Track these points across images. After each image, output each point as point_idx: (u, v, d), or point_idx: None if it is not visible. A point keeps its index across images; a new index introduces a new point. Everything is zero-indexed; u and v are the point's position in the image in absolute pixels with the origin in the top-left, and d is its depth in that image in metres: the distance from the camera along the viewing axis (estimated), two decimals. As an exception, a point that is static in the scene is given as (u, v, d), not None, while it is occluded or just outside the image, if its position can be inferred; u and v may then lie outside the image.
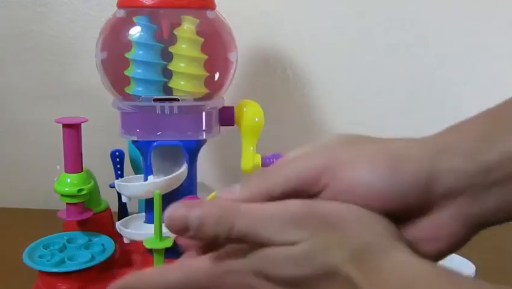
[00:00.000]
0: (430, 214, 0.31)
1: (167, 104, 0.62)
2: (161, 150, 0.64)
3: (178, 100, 0.62)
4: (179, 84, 0.62)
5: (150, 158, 0.64)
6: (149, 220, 0.66)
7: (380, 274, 0.27)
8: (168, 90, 0.63)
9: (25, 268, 0.62)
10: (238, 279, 0.32)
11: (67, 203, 0.66)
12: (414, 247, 0.31)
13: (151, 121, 0.63)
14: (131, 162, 0.76)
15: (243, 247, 0.31)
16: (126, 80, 0.62)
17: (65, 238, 0.68)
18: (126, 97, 0.63)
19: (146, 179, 0.66)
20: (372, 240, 0.29)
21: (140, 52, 0.61)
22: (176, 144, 0.63)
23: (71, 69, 0.94)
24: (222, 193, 0.35)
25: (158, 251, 0.59)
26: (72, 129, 0.65)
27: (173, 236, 0.60)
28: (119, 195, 0.70)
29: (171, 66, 0.62)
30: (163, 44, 0.62)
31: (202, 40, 0.62)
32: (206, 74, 0.63)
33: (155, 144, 0.63)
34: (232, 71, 0.65)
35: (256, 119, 0.66)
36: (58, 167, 0.70)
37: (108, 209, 0.74)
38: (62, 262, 0.63)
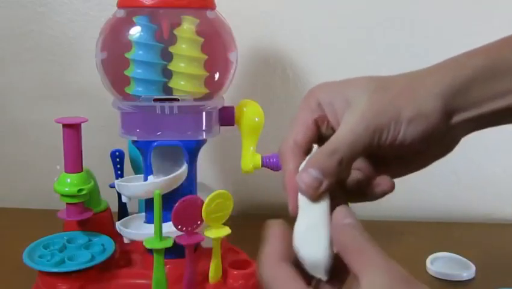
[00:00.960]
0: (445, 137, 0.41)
1: (167, 104, 0.62)
2: (161, 150, 0.64)
3: (178, 100, 0.62)
4: (179, 84, 0.62)
5: (150, 158, 0.64)
6: (149, 220, 0.66)
7: None
8: (168, 90, 0.63)
9: (25, 268, 0.62)
10: None
11: (67, 203, 0.66)
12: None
13: (151, 121, 0.63)
14: (131, 162, 0.76)
15: None
16: (126, 80, 0.62)
17: (65, 238, 0.68)
18: (126, 97, 0.63)
19: (146, 179, 0.66)
20: None
21: (140, 52, 0.61)
22: (176, 144, 0.63)
23: (71, 69, 0.94)
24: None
25: (158, 251, 0.59)
26: (72, 129, 0.65)
27: (173, 236, 0.60)
28: (119, 195, 0.70)
29: (171, 66, 0.62)
30: (163, 44, 0.62)
31: (202, 40, 0.62)
32: (206, 74, 0.63)
33: (155, 144, 0.63)
34: (232, 71, 0.65)
35: (256, 119, 0.66)
36: (58, 167, 0.70)
37: (108, 209, 0.74)
38: (62, 262, 0.63)
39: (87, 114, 0.68)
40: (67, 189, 0.65)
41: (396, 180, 1.06)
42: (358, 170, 0.42)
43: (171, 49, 0.62)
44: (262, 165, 0.67)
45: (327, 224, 0.36)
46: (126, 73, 0.62)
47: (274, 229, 0.38)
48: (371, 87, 0.40)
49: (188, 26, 0.61)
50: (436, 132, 0.39)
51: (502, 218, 0.97)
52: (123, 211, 0.75)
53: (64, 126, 0.65)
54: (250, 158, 0.67)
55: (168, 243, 0.59)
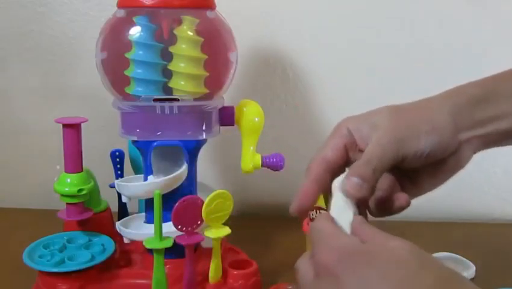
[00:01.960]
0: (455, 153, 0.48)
1: (167, 104, 0.62)
2: (161, 150, 0.64)
3: (178, 100, 0.62)
4: (179, 84, 0.62)
5: (150, 158, 0.64)
6: (149, 220, 0.66)
7: None
8: (168, 90, 0.63)
9: (25, 268, 0.62)
10: None
11: (67, 203, 0.66)
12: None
13: (151, 121, 0.63)
14: (131, 162, 0.76)
15: None
16: (126, 80, 0.62)
17: (65, 238, 0.68)
18: (126, 97, 0.63)
19: (146, 179, 0.66)
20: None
21: (140, 52, 0.61)
22: (176, 144, 0.63)
23: (71, 69, 0.94)
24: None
25: (158, 251, 0.59)
26: (72, 129, 0.65)
27: (173, 236, 0.60)
28: (119, 195, 0.70)
29: (171, 66, 0.62)
30: (163, 44, 0.62)
31: (202, 40, 0.62)
32: (206, 74, 0.63)
33: (155, 144, 0.63)
34: (232, 71, 0.65)
35: (256, 119, 0.66)
36: (58, 167, 0.70)
37: (108, 209, 0.74)
38: (62, 262, 0.63)
39: (87, 114, 0.68)
40: (67, 189, 0.65)
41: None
42: (379, 190, 0.48)
43: (171, 49, 0.62)
44: (262, 165, 0.67)
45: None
46: (126, 73, 0.62)
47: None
48: (392, 110, 0.47)
49: (188, 26, 0.61)
50: (449, 145, 0.46)
51: (502, 218, 0.97)
52: (123, 211, 0.75)
53: (64, 126, 0.65)
54: (250, 158, 0.67)
55: (168, 243, 0.59)
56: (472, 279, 0.73)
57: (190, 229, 0.59)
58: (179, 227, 0.59)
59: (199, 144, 0.65)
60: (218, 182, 0.96)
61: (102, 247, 0.66)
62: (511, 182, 0.96)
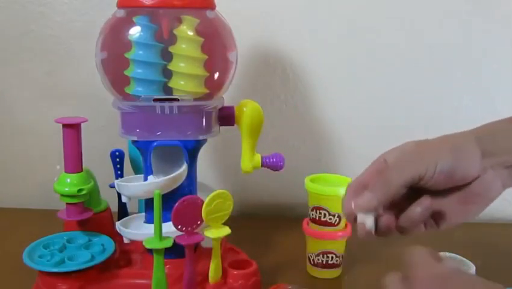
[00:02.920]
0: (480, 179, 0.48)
1: (167, 104, 0.62)
2: (161, 150, 0.64)
3: (178, 100, 0.62)
4: (179, 84, 0.62)
5: (150, 158, 0.64)
6: (149, 220, 0.66)
7: None
8: (168, 90, 0.63)
9: (25, 268, 0.62)
10: None
11: (67, 203, 0.66)
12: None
13: (151, 121, 0.63)
14: (130, 162, 0.76)
15: None
16: (126, 80, 0.62)
17: (65, 238, 0.68)
18: (126, 97, 0.63)
19: (146, 179, 0.66)
20: None
21: (140, 52, 0.61)
22: (176, 144, 0.63)
23: (71, 69, 0.94)
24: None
25: (157, 251, 0.59)
26: (72, 129, 0.65)
27: (173, 236, 0.60)
28: (119, 195, 0.70)
29: (171, 66, 0.62)
30: (163, 44, 0.62)
31: (202, 40, 0.62)
32: (206, 74, 0.63)
33: (155, 144, 0.63)
34: (232, 71, 0.65)
35: (256, 119, 0.66)
36: (58, 167, 0.70)
37: (108, 209, 0.74)
38: (62, 262, 0.63)
39: (87, 114, 0.68)
40: (67, 189, 0.65)
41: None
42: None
43: (171, 49, 0.62)
44: (262, 165, 0.67)
45: None
46: (126, 73, 0.62)
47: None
48: (419, 141, 0.49)
49: (188, 26, 0.61)
50: (470, 166, 0.47)
51: (502, 218, 0.97)
52: (123, 211, 0.75)
53: (64, 126, 0.65)
54: (250, 158, 0.67)
55: (168, 243, 0.59)
56: (472, 279, 0.73)
57: (190, 229, 0.59)
58: (179, 227, 0.59)
59: (199, 144, 0.65)
60: (218, 182, 0.97)
61: (102, 247, 0.66)
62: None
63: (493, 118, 0.51)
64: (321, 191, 0.71)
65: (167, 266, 0.61)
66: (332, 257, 0.72)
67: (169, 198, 0.61)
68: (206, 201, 0.59)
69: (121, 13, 0.63)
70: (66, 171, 0.66)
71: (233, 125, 0.67)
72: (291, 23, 0.91)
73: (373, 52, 0.91)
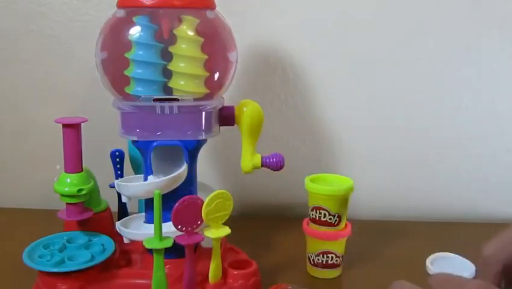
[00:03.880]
0: None
1: (167, 104, 0.62)
2: (161, 150, 0.64)
3: (178, 100, 0.62)
4: (179, 84, 0.62)
5: (150, 158, 0.64)
6: (149, 220, 0.66)
7: None
8: (168, 90, 0.63)
9: (25, 268, 0.62)
10: None
11: (67, 203, 0.66)
12: None
13: (151, 121, 0.63)
14: (130, 162, 0.76)
15: None
16: (126, 80, 0.62)
17: (65, 238, 0.68)
18: (126, 97, 0.63)
19: (146, 179, 0.66)
20: None
21: (140, 52, 0.61)
22: (176, 144, 0.63)
23: (71, 69, 0.94)
24: None
25: (157, 251, 0.59)
26: (72, 129, 0.65)
27: (173, 236, 0.60)
28: (119, 195, 0.70)
29: (171, 66, 0.62)
30: (163, 44, 0.62)
31: (202, 40, 0.62)
32: (206, 74, 0.63)
33: (155, 144, 0.63)
34: (232, 71, 0.65)
35: (256, 119, 0.66)
36: (58, 167, 0.70)
37: (108, 209, 0.74)
38: (62, 262, 0.63)
39: (87, 114, 0.68)
40: (67, 189, 0.65)
41: (396, 180, 1.07)
42: None
43: (171, 49, 0.62)
44: (262, 165, 0.67)
45: None
46: (126, 73, 0.62)
47: None
48: None
49: (188, 26, 0.61)
50: None
51: (502, 218, 0.97)
52: (123, 211, 0.75)
53: (64, 126, 0.65)
54: (250, 158, 0.67)
55: (168, 243, 0.59)
56: (472, 279, 0.73)
57: (190, 229, 0.59)
58: (179, 227, 0.59)
59: (199, 144, 0.65)
60: (218, 182, 0.97)
61: (102, 247, 0.66)
62: (511, 182, 0.96)
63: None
64: (321, 191, 0.71)
65: (167, 266, 0.61)
66: (332, 258, 0.72)
67: (169, 198, 0.61)
68: (206, 201, 0.59)
69: (121, 13, 0.63)
70: (66, 171, 0.66)
71: (233, 125, 0.67)
72: (291, 23, 0.91)
73: (373, 52, 0.91)
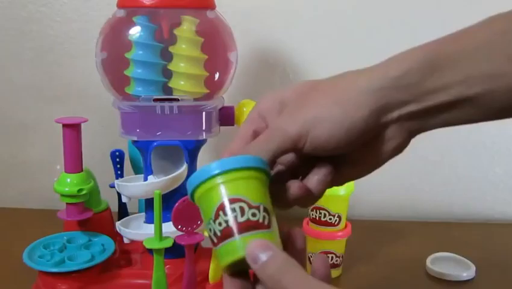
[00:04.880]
0: (380, 136, 0.39)
1: (167, 104, 0.62)
2: (161, 150, 0.64)
3: (178, 100, 0.62)
4: (179, 84, 0.62)
5: (150, 158, 0.64)
6: (149, 220, 0.66)
7: None
8: (168, 90, 0.63)
9: (25, 268, 0.62)
10: None
11: (67, 203, 0.66)
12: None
13: (151, 121, 0.63)
14: (130, 162, 0.76)
15: None
16: (126, 80, 0.62)
17: (65, 238, 0.68)
18: (126, 97, 0.63)
19: (146, 179, 0.66)
20: None
21: (140, 52, 0.61)
22: (176, 144, 0.63)
23: (71, 69, 0.94)
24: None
25: (157, 251, 0.59)
26: (72, 129, 0.65)
27: (173, 236, 0.60)
28: (119, 195, 0.70)
29: (171, 66, 0.62)
30: (163, 44, 0.62)
31: (202, 40, 0.62)
32: (206, 74, 0.63)
33: (155, 144, 0.63)
34: (232, 71, 0.65)
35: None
36: (58, 167, 0.70)
37: (108, 209, 0.74)
38: (62, 262, 0.63)
39: (87, 114, 0.68)
40: (67, 189, 0.65)
41: (396, 180, 1.07)
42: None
43: (171, 49, 0.62)
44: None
45: None
46: (126, 73, 0.62)
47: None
48: (303, 90, 0.40)
49: (188, 26, 0.61)
50: (366, 130, 0.38)
51: (502, 218, 0.97)
52: (123, 211, 0.75)
53: (64, 126, 0.65)
54: (250, 158, 0.67)
55: (168, 243, 0.59)
56: (472, 279, 0.73)
57: (190, 229, 0.59)
58: (179, 227, 0.59)
59: (199, 144, 0.65)
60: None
61: (102, 247, 0.66)
62: (511, 182, 0.96)
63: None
64: (321, 191, 0.70)
65: (167, 266, 0.61)
66: (332, 258, 0.72)
67: (169, 198, 0.61)
68: (206, 201, 0.58)
69: (121, 13, 0.63)
70: (66, 171, 0.66)
71: (233, 125, 0.67)
72: (292, 23, 0.91)
73: (373, 52, 0.91)
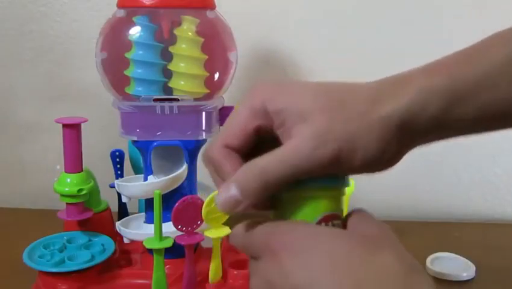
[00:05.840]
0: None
1: (167, 104, 0.62)
2: (161, 150, 0.64)
3: (178, 100, 0.62)
4: (179, 84, 0.62)
5: (150, 158, 0.64)
6: (149, 220, 0.66)
7: None
8: (168, 90, 0.63)
9: (25, 268, 0.62)
10: None
11: (67, 203, 0.66)
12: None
13: (151, 121, 0.63)
14: (130, 162, 0.76)
15: None
16: (126, 80, 0.62)
17: (65, 238, 0.68)
18: (126, 97, 0.63)
19: (146, 179, 0.66)
20: None
21: (140, 52, 0.61)
22: (176, 144, 0.63)
23: (71, 69, 0.94)
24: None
25: (157, 251, 0.59)
26: (72, 129, 0.65)
27: (173, 236, 0.60)
28: (119, 195, 0.70)
29: (171, 66, 0.62)
30: (163, 44, 0.62)
31: (202, 40, 0.62)
32: (206, 74, 0.63)
33: (155, 144, 0.63)
34: (232, 71, 0.65)
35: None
36: (58, 167, 0.70)
37: (108, 209, 0.74)
38: (62, 262, 0.63)
39: (87, 114, 0.68)
40: (67, 189, 0.65)
41: (397, 180, 1.07)
42: None
43: (171, 49, 0.62)
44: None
45: None
46: (126, 73, 0.62)
47: None
48: (325, 101, 0.35)
49: (188, 26, 0.61)
50: (387, 155, 0.36)
51: (502, 218, 0.97)
52: (123, 211, 0.75)
53: (64, 126, 0.65)
54: (250, 158, 0.67)
55: (168, 243, 0.59)
56: (472, 279, 0.73)
57: (190, 229, 0.59)
58: (179, 227, 0.59)
59: (199, 144, 0.65)
60: (219, 182, 0.96)
61: (102, 247, 0.66)
62: (511, 182, 0.96)
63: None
64: (321, 191, 0.70)
65: (167, 266, 0.61)
66: (332, 257, 0.72)
67: (169, 198, 0.61)
68: (206, 201, 0.58)
69: (121, 13, 0.63)
70: (66, 171, 0.66)
71: (233, 125, 0.67)
72: (292, 23, 0.91)
73: (373, 52, 0.91)
